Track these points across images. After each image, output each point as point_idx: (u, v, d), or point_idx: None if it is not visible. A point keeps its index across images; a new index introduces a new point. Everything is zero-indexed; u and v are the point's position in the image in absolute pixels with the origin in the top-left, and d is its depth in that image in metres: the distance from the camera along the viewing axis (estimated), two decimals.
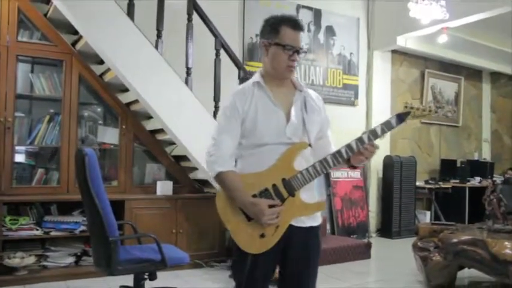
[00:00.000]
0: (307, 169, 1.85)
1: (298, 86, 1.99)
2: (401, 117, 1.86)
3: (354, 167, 1.94)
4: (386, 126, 1.86)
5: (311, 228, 1.94)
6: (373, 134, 1.84)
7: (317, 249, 1.99)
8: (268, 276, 1.92)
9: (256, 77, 1.96)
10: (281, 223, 1.83)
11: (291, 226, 1.86)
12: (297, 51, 1.89)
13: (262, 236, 1.82)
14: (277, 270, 2.00)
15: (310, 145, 1.91)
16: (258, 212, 1.78)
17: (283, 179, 1.84)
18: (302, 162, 1.88)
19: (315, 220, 1.96)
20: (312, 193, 1.93)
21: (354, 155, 1.85)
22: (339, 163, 1.86)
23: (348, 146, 1.84)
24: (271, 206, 1.80)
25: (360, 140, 1.84)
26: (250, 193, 1.82)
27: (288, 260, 1.92)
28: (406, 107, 1.87)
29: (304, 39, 6.07)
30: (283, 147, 1.86)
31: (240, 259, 1.88)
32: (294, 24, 1.89)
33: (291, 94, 1.96)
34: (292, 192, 1.84)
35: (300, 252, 1.92)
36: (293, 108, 1.92)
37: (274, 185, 1.83)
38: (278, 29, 1.88)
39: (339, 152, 1.85)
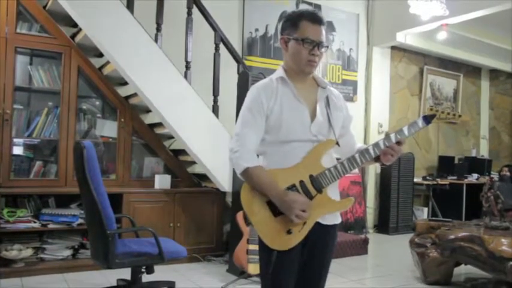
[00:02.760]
0: (335, 166, 1.83)
1: (321, 83, 1.96)
2: (427, 119, 1.87)
3: (383, 165, 1.93)
4: (413, 127, 1.87)
5: (332, 226, 1.92)
6: (401, 134, 1.85)
7: (332, 248, 1.97)
8: (294, 272, 1.87)
9: (279, 72, 1.91)
10: (308, 220, 1.79)
11: (317, 223, 1.84)
12: (317, 45, 1.83)
13: (289, 232, 1.78)
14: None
15: (337, 143, 1.88)
16: (292, 202, 1.73)
17: (311, 176, 1.81)
18: (327, 160, 1.86)
19: (337, 218, 1.95)
20: (336, 190, 1.92)
21: (382, 153, 1.85)
22: (367, 161, 1.85)
23: (376, 145, 1.84)
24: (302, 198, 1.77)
25: (387, 139, 1.84)
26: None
27: (304, 255, 1.88)
28: (431, 109, 1.88)
29: None
30: (309, 144, 1.84)
31: (265, 255, 1.83)
32: (313, 18, 1.84)
33: (314, 91, 1.93)
34: (319, 189, 1.81)
35: (316, 249, 1.89)
36: (318, 105, 1.89)
37: (301, 182, 1.80)
38: (297, 23, 1.84)
39: (367, 150, 1.84)
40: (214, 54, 4.53)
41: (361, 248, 5.17)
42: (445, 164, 7.56)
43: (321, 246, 1.90)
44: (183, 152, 4.61)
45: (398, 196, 6.60)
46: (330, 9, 6.39)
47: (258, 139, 1.85)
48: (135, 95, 4.37)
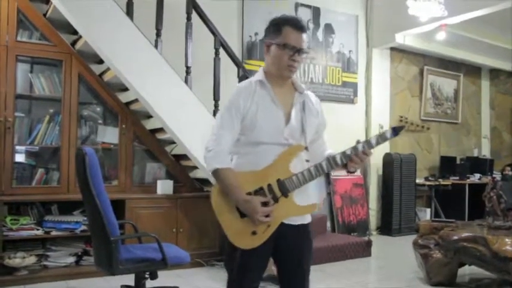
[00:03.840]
0: (302, 173, 1.89)
1: (299, 88, 2.01)
2: (395, 131, 1.91)
3: (349, 172, 1.99)
4: (382, 138, 1.91)
5: (302, 226, 1.98)
6: (368, 145, 1.90)
7: (309, 248, 2.03)
8: (259, 272, 1.96)
9: (259, 75, 1.97)
10: (273, 222, 1.87)
11: (282, 224, 1.90)
12: (298, 51, 1.89)
13: (254, 233, 1.86)
14: (274, 268, 2.05)
15: (306, 148, 1.95)
16: (251, 209, 1.82)
17: (278, 180, 1.87)
18: (297, 163, 1.93)
19: (305, 219, 2.00)
20: (306, 195, 1.96)
21: (349, 162, 1.91)
22: (333, 169, 1.92)
23: (343, 154, 1.90)
24: (264, 205, 1.84)
25: (354, 149, 1.89)
26: (246, 191, 1.85)
27: (282, 259, 1.97)
28: (401, 120, 1.93)
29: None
30: (280, 148, 1.90)
31: (230, 253, 1.93)
32: (296, 25, 1.91)
33: (292, 95, 1.99)
34: (285, 193, 1.88)
35: (292, 251, 1.96)
36: (293, 109, 1.95)
37: (269, 185, 1.87)
38: (280, 29, 1.90)
39: (334, 159, 1.90)
40: (214, 58, 4.53)
41: (364, 250, 5.17)
42: (447, 165, 7.56)
43: (295, 246, 1.97)
44: (184, 157, 4.61)
45: (400, 197, 6.59)
46: (329, 12, 6.40)
47: (232, 140, 1.91)
48: (136, 100, 4.38)
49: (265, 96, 1.92)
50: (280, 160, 1.89)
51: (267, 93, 1.93)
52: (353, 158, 1.89)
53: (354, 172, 1.99)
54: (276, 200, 1.87)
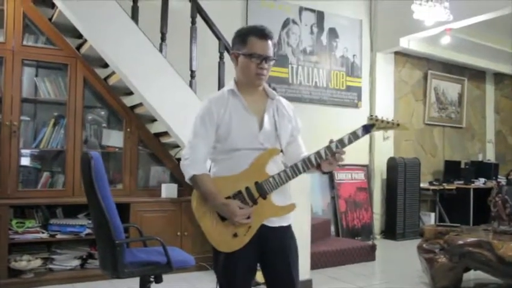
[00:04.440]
0: (279, 174, 1.94)
1: (271, 94, 2.07)
2: (367, 128, 1.96)
3: (323, 172, 2.02)
4: (353, 136, 1.94)
5: (283, 228, 2.02)
6: (341, 143, 1.93)
7: (293, 246, 2.05)
8: (246, 275, 1.99)
9: (231, 85, 2.04)
10: (253, 223, 1.91)
11: (264, 226, 1.95)
12: (265, 59, 1.95)
13: (235, 235, 1.91)
14: (260, 273, 2.08)
15: (281, 151, 2.00)
16: (230, 212, 1.87)
17: (256, 182, 1.92)
18: (273, 166, 1.97)
19: (284, 220, 2.03)
20: (283, 195, 2.01)
21: (323, 162, 1.94)
22: (309, 169, 1.95)
23: (317, 154, 1.93)
24: (242, 208, 1.88)
25: (328, 148, 1.93)
26: (224, 195, 1.90)
27: (268, 262, 2.00)
28: (371, 119, 1.97)
29: (307, 41, 6.18)
30: (256, 152, 1.95)
31: (215, 258, 1.99)
32: (261, 34, 1.96)
33: (264, 102, 2.05)
34: (264, 194, 1.93)
35: (277, 252, 1.99)
36: (266, 115, 2.01)
37: (247, 188, 1.92)
38: (245, 39, 1.96)
39: (308, 159, 1.94)
40: (219, 62, 4.54)
41: (368, 254, 5.16)
42: (452, 169, 7.53)
43: (276, 248, 2.00)
44: None
45: (404, 202, 6.58)
46: (333, 16, 6.42)
47: (207, 148, 1.98)
48: (140, 104, 4.39)
49: (237, 104, 1.99)
50: (257, 163, 1.94)
51: (239, 101, 1.99)
52: (328, 158, 1.92)
53: (328, 173, 2.04)
54: (254, 202, 1.91)
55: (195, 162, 1.95)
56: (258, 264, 2.04)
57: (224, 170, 1.97)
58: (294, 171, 1.93)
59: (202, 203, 1.95)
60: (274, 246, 1.98)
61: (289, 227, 2.06)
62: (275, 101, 2.06)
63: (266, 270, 2.03)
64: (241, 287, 1.99)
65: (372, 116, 1.99)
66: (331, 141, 1.93)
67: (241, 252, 1.92)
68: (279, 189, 1.94)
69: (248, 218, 1.89)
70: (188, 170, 1.96)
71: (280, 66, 5.71)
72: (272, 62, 2.01)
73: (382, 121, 1.98)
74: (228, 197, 1.90)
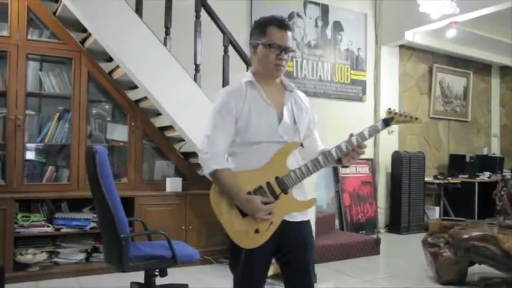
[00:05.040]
0: (299, 168, 1.91)
1: (288, 87, 2.03)
2: (386, 122, 1.96)
3: (343, 166, 2.02)
4: (374, 129, 1.94)
5: (303, 222, 2.00)
6: (362, 137, 1.92)
7: (312, 244, 2.03)
8: (264, 270, 1.97)
9: (248, 76, 1.99)
10: (275, 219, 1.88)
11: (285, 222, 1.92)
12: (284, 49, 1.91)
13: (257, 231, 1.87)
14: (275, 266, 2.05)
15: (301, 144, 1.97)
16: (253, 208, 1.83)
17: (277, 177, 1.89)
18: (293, 160, 1.95)
19: (305, 215, 2.01)
20: (303, 191, 1.99)
21: (344, 155, 1.92)
22: (329, 163, 1.94)
23: (338, 148, 1.92)
24: (265, 203, 1.85)
25: (349, 142, 1.91)
26: (245, 190, 1.86)
27: (287, 257, 1.97)
28: (389, 112, 1.97)
29: (311, 34, 6.14)
30: (276, 145, 1.92)
31: (234, 254, 1.94)
32: (281, 24, 1.93)
33: (282, 94, 2.01)
34: (285, 189, 1.89)
35: (295, 248, 1.97)
36: (285, 107, 1.97)
37: (268, 183, 1.89)
38: (265, 29, 1.93)
39: (329, 153, 1.92)
40: (223, 56, 4.52)
41: (373, 248, 5.15)
42: (456, 163, 7.50)
43: (297, 243, 1.98)
44: (193, 154, 4.61)
45: (409, 195, 6.56)
46: (337, 9, 6.37)
47: (227, 141, 1.93)
48: (145, 98, 4.38)
49: (256, 96, 1.94)
50: (277, 158, 1.91)
51: (258, 93, 1.95)
52: (348, 152, 1.91)
53: (347, 167, 2.03)
54: (276, 197, 1.88)
55: (216, 155, 1.89)
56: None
57: (243, 164, 1.92)
58: (315, 165, 1.91)
59: (222, 198, 1.90)
60: (296, 241, 1.96)
61: (309, 222, 2.04)
62: (293, 93, 2.03)
63: (286, 265, 1.99)
64: (260, 283, 1.96)
65: (390, 109, 1.97)
66: (351, 135, 1.91)
67: (262, 248, 1.88)
68: (299, 184, 1.92)
69: (269, 213, 1.85)
70: (209, 164, 1.89)
71: None
72: (291, 54, 1.97)
73: (401, 115, 1.97)
74: (249, 193, 1.86)
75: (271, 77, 1.98)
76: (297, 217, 1.96)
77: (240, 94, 1.93)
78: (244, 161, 1.92)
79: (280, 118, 1.94)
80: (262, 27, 1.94)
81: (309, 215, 2.04)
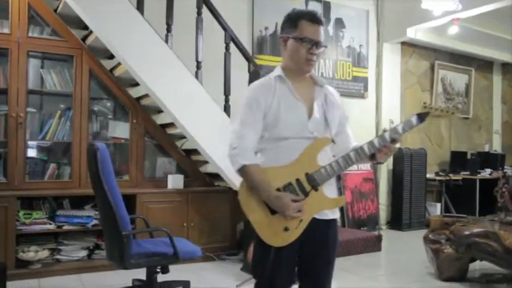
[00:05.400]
0: (330, 164, 1.85)
1: (319, 82, 1.99)
2: (421, 117, 1.87)
3: (377, 163, 1.95)
4: (407, 125, 1.87)
5: (331, 221, 1.95)
6: (395, 133, 1.85)
7: (335, 242, 1.99)
8: (292, 270, 1.92)
9: (277, 71, 1.94)
10: (305, 217, 1.83)
11: (314, 219, 1.87)
12: (316, 44, 1.86)
13: (286, 229, 1.81)
14: None
15: (333, 140, 1.91)
16: (283, 205, 1.78)
17: (307, 174, 1.84)
18: (324, 157, 1.89)
19: (334, 213, 1.97)
20: (332, 188, 1.94)
21: (377, 152, 1.87)
22: (362, 159, 1.88)
23: (370, 143, 1.86)
24: (294, 200, 1.79)
25: (381, 137, 1.86)
26: (274, 187, 1.81)
27: (307, 253, 1.91)
28: (425, 107, 1.89)
29: None
30: (305, 141, 1.86)
31: (262, 252, 1.87)
32: (312, 18, 1.87)
33: (312, 89, 1.96)
34: (315, 186, 1.84)
35: (319, 245, 1.93)
36: (315, 103, 1.92)
37: (297, 180, 1.83)
38: (296, 23, 1.87)
39: (361, 148, 1.86)
40: (225, 53, 4.51)
41: (374, 244, 5.14)
42: (458, 160, 7.48)
43: (321, 241, 1.94)
44: (195, 151, 4.61)
45: (411, 192, 6.55)
46: (339, 6, 6.35)
47: (256, 137, 1.88)
48: (146, 95, 4.38)
49: (285, 91, 1.90)
50: (307, 154, 1.85)
51: (287, 88, 1.90)
52: (381, 148, 1.85)
53: (382, 163, 1.96)
54: (306, 194, 1.83)
55: (245, 151, 1.84)
56: None
57: (272, 160, 1.87)
58: (346, 161, 1.85)
59: (251, 195, 1.84)
60: (322, 240, 1.92)
61: (336, 221, 1.99)
62: (323, 88, 1.98)
63: (304, 260, 1.93)
64: (285, 283, 1.90)
65: (425, 103, 1.95)
66: (384, 130, 1.87)
67: (290, 246, 1.84)
68: (328, 181, 1.87)
69: (299, 211, 1.79)
70: (238, 160, 1.84)
71: None
72: (322, 49, 1.91)
73: (436, 109, 1.95)
74: (278, 189, 1.81)
75: (302, 72, 1.93)
76: (327, 215, 1.92)
77: (269, 89, 1.89)
78: (272, 157, 1.87)
79: (310, 114, 1.89)
80: (293, 20, 1.89)
81: (338, 213, 1.99)
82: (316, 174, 1.84)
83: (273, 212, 1.82)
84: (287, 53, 1.92)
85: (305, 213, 1.82)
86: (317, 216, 1.88)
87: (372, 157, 1.90)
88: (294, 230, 1.82)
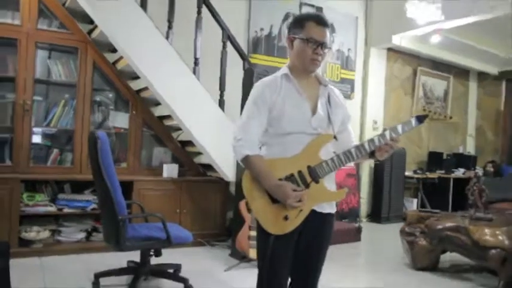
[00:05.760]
0: (332, 159, 1.83)
1: (323, 81, 1.96)
2: (420, 119, 1.87)
3: (377, 160, 1.93)
4: (407, 125, 1.86)
5: (328, 215, 1.92)
6: (395, 132, 1.84)
7: (330, 236, 1.97)
8: (289, 256, 1.87)
9: (284, 70, 1.92)
10: (305, 207, 1.80)
11: (312, 211, 1.84)
12: (321, 45, 1.84)
13: (286, 218, 1.78)
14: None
15: (335, 137, 1.89)
16: (283, 194, 1.74)
17: (309, 166, 1.81)
18: (324, 153, 1.86)
19: (332, 207, 1.95)
20: (332, 182, 1.92)
21: (377, 150, 1.85)
22: (362, 155, 1.85)
23: (371, 141, 1.84)
24: (295, 190, 1.76)
25: (382, 136, 1.84)
26: (276, 177, 1.78)
27: (301, 244, 1.89)
28: (424, 110, 1.89)
29: None
30: (308, 137, 1.84)
31: (262, 239, 1.85)
32: (319, 20, 1.86)
33: (316, 88, 1.94)
34: (316, 179, 1.81)
35: (313, 238, 1.90)
36: (319, 101, 1.90)
37: (299, 171, 1.80)
38: (303, 24, 1.85)
39: (362, 145, 1.84)
40: (222, 51, 4.49)
41: (354, 235, 5.17)
42: (435, 159, 7.53)
43: (318, 233, 1.90)
44: (189, 143, 4.59)
45: (390, 188, 6.58)
46: (330, 11, 6.31)
47: (260, 130, 1.85)
48: (146, 88, 4.34)
49: (291, 88, 1.87)
50: (310, 148, 1.83)
51: (293, 86, 1.88)
52: (381, 146, 1.83)
53: (381, 160, 1.94)
54: (307, 185, 1.79)
55: (248, 142, 1.81)
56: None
57: (276, 153, 1.84)
58: (347, 156, 1.83)
59: (254, 185, 1.81)
60: (314, 231, 1.87)
61: (333, 216, 1.96)
62: (327, 88, 1.95)
63: (300, 252, 1.89)
64: (284, 272, 1.87)
65: (425, 107, 1.95)
66: (384, 129, 1.84)
67: (289, 236, 1.81)
68: (329, 175, 1.85)
69: (299, 201, 1.75)
70: (241, 150, 1.81)
71: (281, 57, 5.64)
72: (327, 50, 1.87)
73: (435, 113, 1.95)
74: (280, 179, 1.77)
75: (307, 71, 1.90)
76: (325, 208, 1.89)
77: (275, 86, 1.86)
78: (277, 151, 1.84)
79: (314, 110, 1.87)
80: (300, 22, 1.87)
81: (335, 208, 1.96)
82: (317, 168, 1.81)
83: (274, 201, 1.79)
84: (293, 53, 1.89)
85: (305, 204, 1.78)
86: (316, 209, 1.85)
87: (372, 155, 1.88)
88: (294, 219, 1.79)
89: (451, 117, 6.79)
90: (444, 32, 6.27)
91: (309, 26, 1.84)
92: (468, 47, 7.02)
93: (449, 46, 7.03)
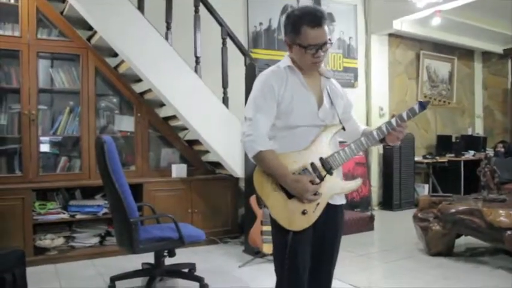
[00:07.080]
0: (344, 149, 1.82)
1: (325, 73, 1.94)
2: (422, 105, 1.88)
3: (387, 145, 1.95)
4: (411, 112, 1.87)
5: (340, 206, 1.92)
6: (400, 119, 1.86)
7: (342, 227, 1.96)
8: (309, 252, 1.84)
9: (287, 61, 1.87)
10: (321, 200, 1.77)
11: (327, 204, 1.81)
12: (320, 46, 1.77)
13: (304, 212, 1.74)
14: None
15: (343, 128, 1.88)
16: (301, 188, 1.70)
17: (321, 158, 1.79)
18: (333, 143, 1.86)
19: (343, 198, 1.95)
20: (340, 173, 1.91)
21: (388, 135, 1.86)
22: (372, 144, 1.87)
23: (379, 129, 1.86)
24: (312, 183, 1.73)
25: (389, 123, 1.85)
26: (290, 171, 1.74)
27: (315, 237, 1.85)
28: (425, 97, 1.90)
29: None
30: (316, 129, 1.83)
31: (280, 236, 1.80)
32: (314, 22, 1.74)
33: (319, 80, 1.92)
34: (330, 170, 1.79)
35: (328, 229, 1.88)
36: (324, 93, 1.89)
37: (312, 164, 1.77)
38: (299, 29, 1.76)
39: (371, 134, 1.85)
40: (222, 48, 4.48)
41: (367, 224, 5.15)
42: (443, 143, 7.48)
43: (331, 225, 1.89)
44: (196, 142, 4.59)
45: (400, 174, 6.55)
46: (329, 1, 6.28)
47: (269, 124, 1.81)
48: (149, 90, 4.35)
49: (296, 82, 1.84)
50: (320, 140, 1.81)
51: (298, 78, 1.85)
52: (390, 132, 1.85)
53: (393, 146, 1.95)
54: (321, 178, 1.76)
55: (260, 137, 1.75)
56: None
57: (285, 146, 1.79)
58: (358, 146, 1.83)
59: (267, 180, 1.75)
60: (328, 222, 1.85)
61: (343, 207, 1.94)
62: (329, 80, 1.94)
63: (315, 245, 1.86)
64: (306, 266, 1.83)
65: (425, 95, 1.96)
66: (392, 116, 1.85)
67: (308, 231, 1.77)
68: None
69: (315, 194, 1.73)
70: (253, 146, 1.74)
71: (281, 50, 5.62)
72: (329, 45, 1.80)
73: (435, 99, 1.95)
74: (293, 174, 1.73)
75: (309, 71, 1.88)
76: (337, 200, 1.88)
77: (282, 77, 1.82)
78: (285, 144, 1.80)
79: (319, 103, 1.85)
80: (295, 26, 1.77)
81: (344, 200, 1.95)
82: (330, 159, 1.79)
83: (289, 196, 1.74)
84: (293, 55, 1.85)
85: (322, 197, 1.76)
86: (330, 201, 1.83)
87: (382, 141, 1.89)
88: (312, 213, 1.76)
89: (449, 102, 6.72)
90: (445, 14, 6.20)
91: (304, 32, 1.75)
92: (470, 27, 6.95)
93: (451, 27, 6.95)
